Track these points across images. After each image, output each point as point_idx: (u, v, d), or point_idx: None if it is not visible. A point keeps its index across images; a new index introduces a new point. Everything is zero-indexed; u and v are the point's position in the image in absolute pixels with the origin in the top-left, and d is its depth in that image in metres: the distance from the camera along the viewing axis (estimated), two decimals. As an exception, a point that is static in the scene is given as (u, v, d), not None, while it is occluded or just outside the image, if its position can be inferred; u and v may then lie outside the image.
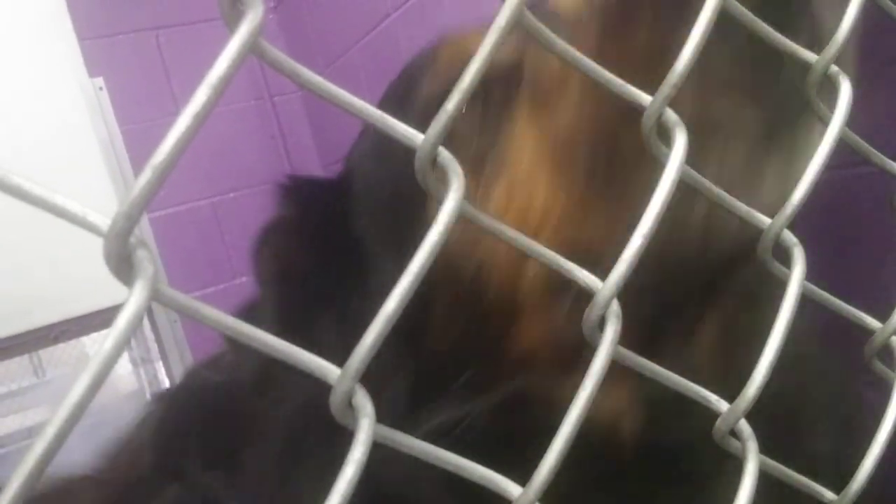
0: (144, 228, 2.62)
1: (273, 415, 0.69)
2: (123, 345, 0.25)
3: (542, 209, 0.57)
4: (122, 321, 0.25)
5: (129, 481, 0.84)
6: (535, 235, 0.55)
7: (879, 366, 0.49)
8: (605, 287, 0.39)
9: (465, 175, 0.44)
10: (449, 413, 0.58)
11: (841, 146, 0.49)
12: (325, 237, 0.71)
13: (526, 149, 0.59)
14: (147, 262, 0.26)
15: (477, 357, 0.60)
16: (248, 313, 0.70)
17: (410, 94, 0.69)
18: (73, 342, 2.58)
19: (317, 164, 2.99)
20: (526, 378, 0.58)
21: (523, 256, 0.57)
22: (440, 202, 0.35)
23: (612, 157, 0.54)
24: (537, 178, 0.58)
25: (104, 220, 0.26)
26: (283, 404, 0.67)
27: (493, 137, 0.61)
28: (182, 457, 0.80)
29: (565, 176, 0.56)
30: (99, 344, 0.26)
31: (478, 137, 0.61)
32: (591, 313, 0.39)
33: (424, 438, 0.35)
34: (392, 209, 0.68)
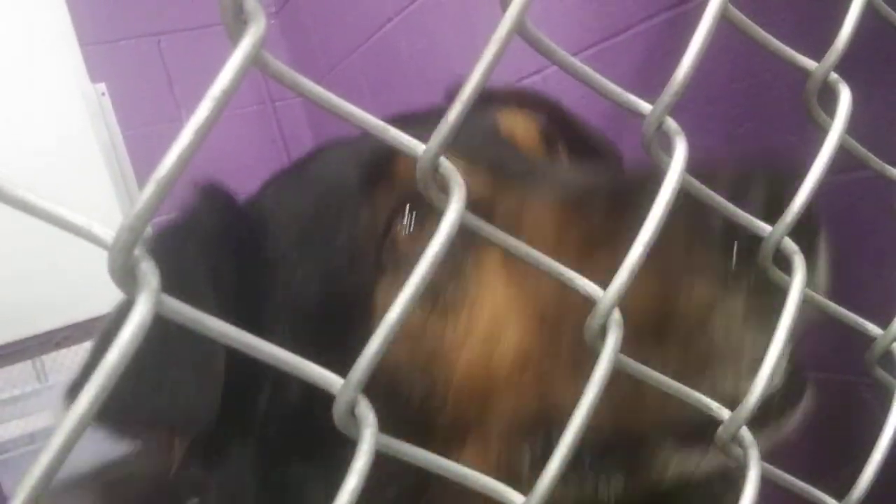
0: (147, 233, 2.61)
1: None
2: (128, 356, 0.26)
3: (514, 350, 0.57)
4: (126, 333, 0.26)
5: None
6: (500, 369, 0.57)
7: (881, 372, 0.49)
8: (606, 295, 0.39)
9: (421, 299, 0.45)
10: None
11: (840, 151, 0.49)
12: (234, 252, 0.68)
13: (495, 289, 0.59)
14: (151, 274, 0.26)
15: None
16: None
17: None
18: (75, 348, 2.58)
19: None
20: None
21: (490, 381, 0.58)
22: (442, 212, 0.35)
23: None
24: (509, 321, 0.58)
25: (108, 233, 0.26)
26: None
27: (454, 268, 0.60)
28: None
29: (551, 339, 0.56)
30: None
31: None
32: (593, 322, 0.39)
33: None
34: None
